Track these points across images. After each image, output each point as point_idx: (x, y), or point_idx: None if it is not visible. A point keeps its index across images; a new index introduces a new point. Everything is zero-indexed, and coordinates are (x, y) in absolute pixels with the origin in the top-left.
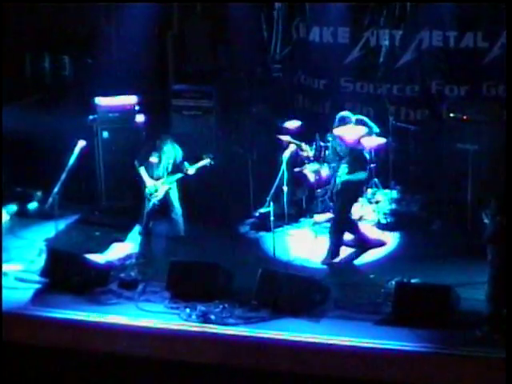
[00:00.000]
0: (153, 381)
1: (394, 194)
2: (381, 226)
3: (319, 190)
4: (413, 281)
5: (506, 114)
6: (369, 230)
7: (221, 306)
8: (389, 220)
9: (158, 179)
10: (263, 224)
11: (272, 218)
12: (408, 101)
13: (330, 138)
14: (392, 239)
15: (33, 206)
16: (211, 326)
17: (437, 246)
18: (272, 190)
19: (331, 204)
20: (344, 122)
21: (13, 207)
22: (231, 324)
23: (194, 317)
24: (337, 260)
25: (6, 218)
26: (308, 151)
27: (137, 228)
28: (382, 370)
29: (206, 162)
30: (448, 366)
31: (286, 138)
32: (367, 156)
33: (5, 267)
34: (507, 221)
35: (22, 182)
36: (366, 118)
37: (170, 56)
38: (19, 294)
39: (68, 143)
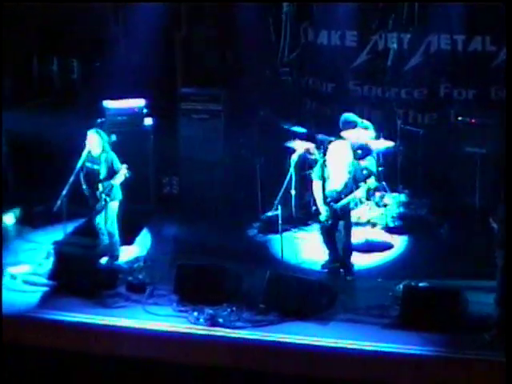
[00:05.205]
0: None
1: (402, 197)
2: (389, 230)
3: None
4: (421, 284)
5: (506, 115)
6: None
7: (229, 309)
8: (397, 223)
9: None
10: (271, 227)
11: (280, 222)
12: (416, 104)
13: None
14: (400, 242)
15: (41, 208)
16: (219, 329)
17: (445, 250)
18: (280, 194)
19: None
20: (349, 124)
21: (20, 210)
22: (239, 327)
23: (201, 320)
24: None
25: (13, 220)
26: (316, 154)
27: (145, 231)
28: (390, 373)
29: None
30: (456, 369)
31: (293, 144)
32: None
33: (13, 270)
34: (507, 222)
35: (30, 184)
36: (368, 122)
37: (178, 59)
38: (27, 296)
39: (76, 146)
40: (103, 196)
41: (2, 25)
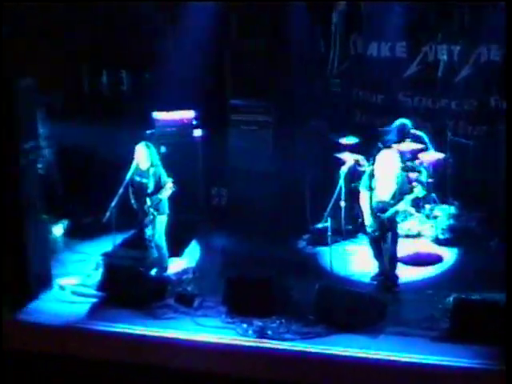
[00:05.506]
0: None
1: (452, 209)
2: (439, 242)
3: None
4: (471, 297)
5: (506, 116)
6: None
7: (277, 321)
8: (447, 236)
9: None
10: (320, 239)
11: (329, 234)
12: (466, 116)
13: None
14: (450, 255)
15: (90, 220)
16: (268, 341)
17: (495, 262)
18: (329, 205)
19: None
20: (404, 130)
21: (68, 222)
22: (288, 339)
23: (250, 332)
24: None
25: (61, 232)
26: (365, 166)
27: (194, 243)
28: None
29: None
30: (506, 383)
31: (343, 155)
32: None
33: (62, 281)
34: (507, 221)
35: (79, 196)
36: (421, 132)
37: (227, 70)
38: (76, 308)
39: (125, 158)
40: (151, 210)
41: (4, 25)
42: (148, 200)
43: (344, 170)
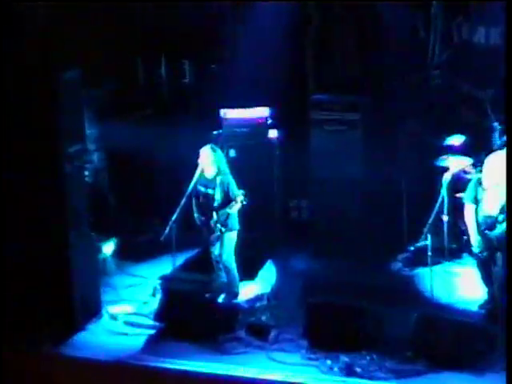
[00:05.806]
0: None
1: None
2: None
3: None
4: None
5: (506, 115)
6: None
7: (368, 357)
8: None
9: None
10: (419, 260)
11: (430, 253)
12: None
13: None
14: None
15: (146, 237)
16: (357, 380)
17: None
18: (430, 220)
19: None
20: None
21: (120, 240)
22: (380, 378)
23: (336, 369)
24: None
25: (112, 251)
26: (473, 173)
27: (269, 264)
28: None
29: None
30: None
31: (447, 160)
32: None
33: (113, 309)
34: (508, 221)
35: (133, 209)
36: None
37: (308, 61)
38: (129, 340)
39: (188, 163)
40: (218, 226)
41: (4, 25)
42: (214, 214)
43: (447, 177)
